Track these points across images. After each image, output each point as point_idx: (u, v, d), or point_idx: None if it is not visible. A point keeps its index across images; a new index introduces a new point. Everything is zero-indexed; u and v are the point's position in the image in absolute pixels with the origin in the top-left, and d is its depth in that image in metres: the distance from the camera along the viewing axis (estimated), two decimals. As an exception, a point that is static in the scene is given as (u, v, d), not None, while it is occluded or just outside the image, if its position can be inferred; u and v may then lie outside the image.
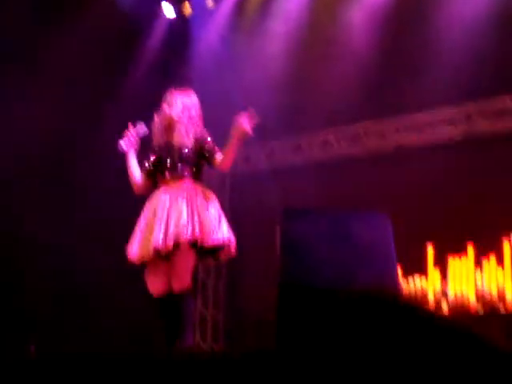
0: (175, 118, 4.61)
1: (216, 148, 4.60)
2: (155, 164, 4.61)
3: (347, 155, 9.00)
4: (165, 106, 4.64)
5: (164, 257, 4.36)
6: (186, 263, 4.37)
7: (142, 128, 4.66)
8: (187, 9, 9.29)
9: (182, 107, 4.62)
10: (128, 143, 4.60)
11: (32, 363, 3.49)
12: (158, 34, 9.11)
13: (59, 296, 8.46)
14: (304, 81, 8.52)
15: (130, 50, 8.93)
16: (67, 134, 8.31)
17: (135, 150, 4.64)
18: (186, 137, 4.58)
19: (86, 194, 8.43)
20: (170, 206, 4.39)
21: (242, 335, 8.64)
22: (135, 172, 4.64)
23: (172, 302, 4.37)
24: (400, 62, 8.22)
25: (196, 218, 4.35)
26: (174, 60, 8.80)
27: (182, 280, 4.35)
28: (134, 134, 4.63)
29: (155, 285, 4.43)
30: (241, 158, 9.61)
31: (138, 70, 8.91)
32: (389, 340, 2.96)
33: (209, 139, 4.61)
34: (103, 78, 8.60)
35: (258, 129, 7.76)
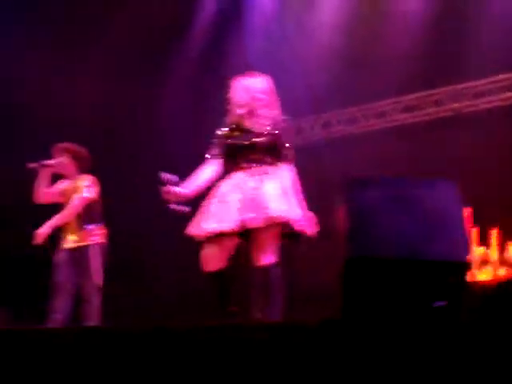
0: (242, 101, 4.55)
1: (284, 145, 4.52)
2: (226, 149, 4.58)
3: (403, 124, 8.90)
4: (232, 91, 4.59)
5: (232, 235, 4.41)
6: (269, 239, 4.38)
7: (172, 178, 4.49)
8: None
9: (247, 90, 4.56)
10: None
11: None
12: (210, 8, 9.07)
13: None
14: (360, 52, 8.39)
15: (183, 25, 8.94)
16: (127, 108, 8.41)
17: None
18: (256, 122, 4.53)
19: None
20: (244, 189, 4.41)
21: (300, 310, 8.60)
22: (200, 182, 4.58)
23: (227, 276, 4.46)
24: (456, 30, 8.06)
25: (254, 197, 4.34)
26: (227, 34, 8.75)
27: (262, 255, 4.38)
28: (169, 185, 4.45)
29: (212, 260, 4.46)
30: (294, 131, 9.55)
31: (191, 45, 8.89)
32: (456, 313, 2.89)
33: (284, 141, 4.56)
34: (156, 53, 8.63)
35: (311, 101, 7.70)
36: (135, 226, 8.49)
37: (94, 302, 5.74)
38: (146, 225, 8.57)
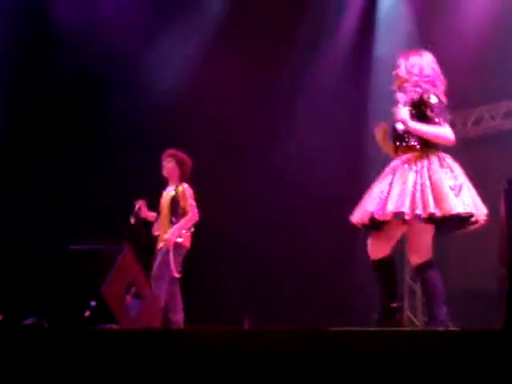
0: (402, 77, 4.43)
1: (436, 116, 4.24)
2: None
3: None
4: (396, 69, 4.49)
5: (382, 224, 4.25)
6: (420, 236, 4.24)
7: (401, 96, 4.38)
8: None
9: (405, 66, 4.43)
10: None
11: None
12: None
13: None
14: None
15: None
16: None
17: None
18: (408, 98, 4.38)
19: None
20: (394, 176, 4.24)
21: (453, 310, 8.37)
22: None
23: (388, 266, 4.32)
24: None
25: (424, 189, 4.14)
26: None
27: (417, 253, 4.25)
28: None
29: (374, 248, 4.36)
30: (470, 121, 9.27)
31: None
32: None
33: (432, 101, 4.26)
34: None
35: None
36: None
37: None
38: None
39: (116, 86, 8.32)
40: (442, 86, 4.40)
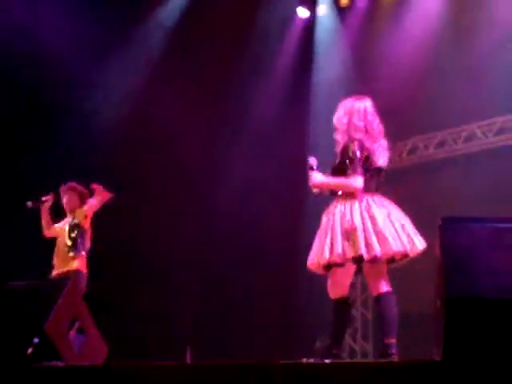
0: (335, 123, 4.60)
1: (350, 167, 4.42)
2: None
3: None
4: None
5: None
6: (375, 270, 4.40)
7: (313, 160, 4.60)
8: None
9: (342, 113, 4.57)
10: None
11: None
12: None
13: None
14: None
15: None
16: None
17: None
18: (340, 144, 4.54)
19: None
20: (341, 218, 4.39)
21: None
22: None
23: (343, 307, 4.46)
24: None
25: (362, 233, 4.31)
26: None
27: (375, 285, 4.42)
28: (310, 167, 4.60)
29: (332, 288, 4.48)
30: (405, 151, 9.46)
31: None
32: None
33: (350, 153, 4.42)
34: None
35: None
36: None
37: None
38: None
39: (61, 112, 8.26)
40: (375, 131, 4.55)
